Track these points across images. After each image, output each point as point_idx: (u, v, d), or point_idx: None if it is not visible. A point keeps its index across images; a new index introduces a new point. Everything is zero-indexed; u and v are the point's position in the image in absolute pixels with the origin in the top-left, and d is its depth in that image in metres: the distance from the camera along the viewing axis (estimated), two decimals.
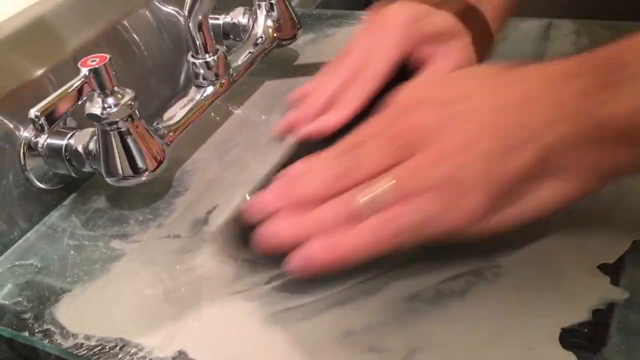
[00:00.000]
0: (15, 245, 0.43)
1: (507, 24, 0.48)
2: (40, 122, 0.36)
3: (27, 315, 0.37)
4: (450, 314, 0.33)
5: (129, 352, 0.34)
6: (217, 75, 0.48)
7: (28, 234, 0.44)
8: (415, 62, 0.46)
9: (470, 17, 0.45)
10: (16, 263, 0.42)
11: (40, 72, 0.44)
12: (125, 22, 0.51)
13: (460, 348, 0.31)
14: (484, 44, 0.45)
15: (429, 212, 0.31)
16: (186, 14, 0.46)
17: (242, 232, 0.37)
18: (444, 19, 0.44)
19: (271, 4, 0.54)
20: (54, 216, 0.45)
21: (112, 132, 0.40)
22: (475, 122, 0.31)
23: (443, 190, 0.31)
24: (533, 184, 0.31)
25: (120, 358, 0.34)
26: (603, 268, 0.33)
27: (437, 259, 0.35)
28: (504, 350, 0.30)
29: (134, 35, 0.52)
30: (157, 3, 0.54)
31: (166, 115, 0.46)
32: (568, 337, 0.30)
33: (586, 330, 0.31)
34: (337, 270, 0.33)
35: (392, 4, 0.46)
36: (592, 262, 0.34)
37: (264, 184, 0.40)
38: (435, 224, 0.31)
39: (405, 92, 0.35)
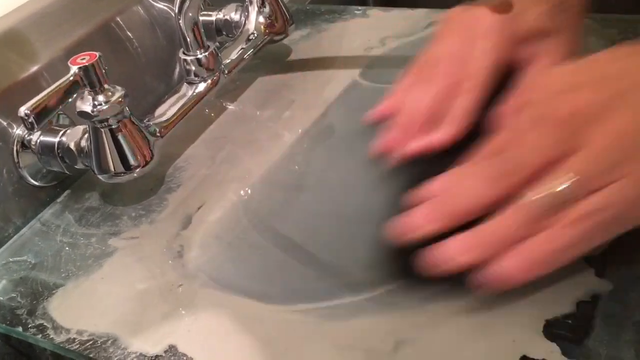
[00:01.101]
0: (10, 241, 0.44)
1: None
2: (30, 120, 0.36)
3: (21, 311, 0.38)
4: (434, 306, 0.33)
5: (121, 346, 0.34)
6: (208, 71, 0.49)
7: (22, 231, 0.44)
8: (515, 65, 0.42)
9: (560, 13, 0.42)
10: (10, 259, 0.42)
11: (33, 69, 0.45)
12: (118, 19, 0.51)
13: (444, 340, 0.31)
14: (578, 39, 0.43)
15: (621, 205, 0.28)
16: (177, 10, 0.46)
17: None
18: (536, 18, 0.42)
19: (263, 1, 0.54)
20: (47, 213, 0.46)
21: (103, 130, 0.41)
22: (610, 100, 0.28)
23: (634, 176, 0.27)
24: None
25: (112, 352, 0.34)
26: (588, 260, 0.34)
27: None
28: (488, 342, 0.31)
29: (127, 32, 0.52)
30: (150, 0, 0.54)
31: (157, 112, 0.46)
32: (552, 329, 0.31)
33: (570, 321, 0.31)
34: None
35: (477, 6, 0.42)
36: None
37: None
38: (631, 216, 0.28)
39: (546, 81, 0.32)
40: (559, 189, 0.28)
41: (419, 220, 0.32)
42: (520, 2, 0.42)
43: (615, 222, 0.28)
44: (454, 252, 0.30)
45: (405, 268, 0.33)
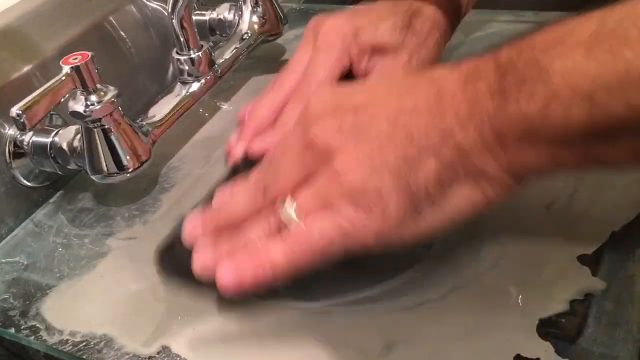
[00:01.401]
0: (2, 242, 0.43)
1: (455, 26, 0.48)
2: (21, 120, 0.36)
3: (13, 312, 0.38)
4: (428, 305, 0.33)
5: (114, 347, 0.34)
6: (202, 71, 0.49)
7: (15, 232, 0.44)
8: (359, 76, 0.45)
9: (412, 30, 0.44)
10: (3, 260, 0.42)
11: (26, 69, 0.44)
12: (111, 19, 0.51)
13: (438, 339, 0.31)
14: (429, 54, 0.45)
15: (347, 223, 0.29)
16: (170, 10, 0.46)
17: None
18: (383, 33, 0.44)
19: (256, 0, 0.54)
20: (40, 213, 0.45)
21: (95, 130, 0.40)
22: (377, 130, 0.30)
23: (359, 203, 0.29)
24: (447, 189, 0.29)
25: (105, 354, 0.34)
26: (582, 259, 0.34)
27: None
28: (481, 342, 0.31)
29: (121, 32, 0.52)
30: None
31: (150, 112, 0.46)
32: (545, 328, 0.31)
33: (564, 320, 0.31)
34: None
35: (330, 18, 0.46)
36: (571, 253, 0.34)
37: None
38: (357, 232, 0.30)
39: (312, 102, 0.33)
40: (286, 215, 0.31)
41: (191, 231, 0.35)
42: (369, 15, 0.45)
43: (347, 235, 0.30)
44: (206, 261, 0.33)
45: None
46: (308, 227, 0.30)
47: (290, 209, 0.31)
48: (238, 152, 0.45)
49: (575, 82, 0.25)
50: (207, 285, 0.32)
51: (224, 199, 0.36)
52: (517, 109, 0.26)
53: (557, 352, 0.30)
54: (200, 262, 0.33)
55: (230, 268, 0.31)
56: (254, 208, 0.33)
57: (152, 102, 0.48)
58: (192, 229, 0.35)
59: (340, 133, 0.30)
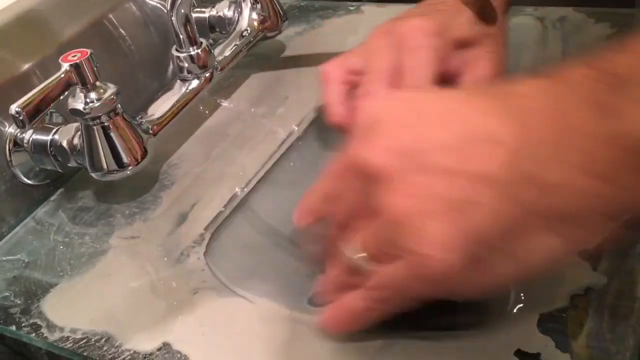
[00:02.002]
0: (3, 240, 0.43)
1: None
2: (21, 118, 0.36)
3: (14, 310, 0.38)
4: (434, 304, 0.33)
5: (114, 344, 0.34)
6: (201, 68, 0.49)
7: (16, 229, 0.44)
8: (447, 78, 0.41)
9: (478, 23, 0.42)
10: (4, 258, 0.42)
11: (25, 67, 0.45)
12: (111, 16, 0.51)
13: (437, 336, 0.31)
14: (501, 47, 0.43)
15: (396, 285, 0.28)
16: (169, 7, 0.46)
17: None
18: (463, 28, 0.41)
19: None
20: (41, 211, 0.45)
21: (95, 127, 0.40)
22: (440, 168, 0.26)
23: (415, 252, 0.26)
24: (527, 237, 0.25)
25: (106, 350, 0.34)
26: (582, 254, 0.34)
27: None
28: (482, 337, 0.31)
29: (120, 30, 0.52)
30: None
31: (150, 109, 0.46)
32: (546, 323, 0.31)
33: (564, 315, 0.31)
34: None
35: (406, 20, 0.41)
36: None
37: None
38: (413, 288, 0.27)
39: (372, 110, 0.30)
40: (355, 259, 0.29)
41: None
42: (442, 11, 0.42)
43: (399, 296, 0.28)
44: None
45: None
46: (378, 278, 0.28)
47: (356, 254, 0.29)
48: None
49: None
50: None
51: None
52: (624, 125, 0.22)
53: (558, 347, 0.30)
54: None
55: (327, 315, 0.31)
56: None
57: (152, 99, 0.48)
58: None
59: (400, 168, 0.26)
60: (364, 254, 0.28)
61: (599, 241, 0.25)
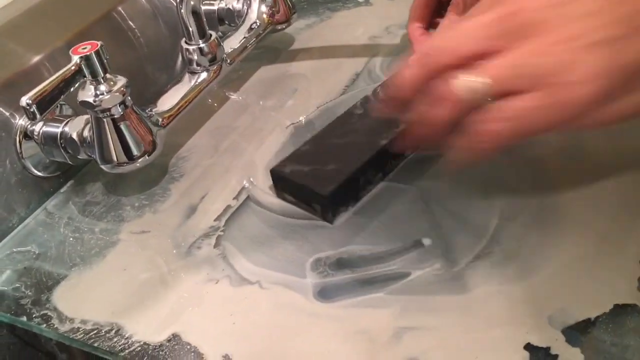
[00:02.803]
0: (14, 232, 0.44)
1: None
2: (31, 109, 0.36)
3: (25, 301, 0.38)
4: (438, 295, 0.33)
5: (124, 335, 0.35)
6: (210, 61, 0.49)
7: (26, 221, 0.44)
8: None
9: None
10: (14, 250, 0.42)
11: (35, 60, 0.45)
12: (120, 9, 0.51)
13: (447, 329, 0.31)
14: None
15: (536, 104, 0.29)
16: (178, 0, 0.46)
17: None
18: None
19: None
20: (51, 203, 0.46)
21: (105, 120, 0.40)
22: (584, 8, 0.28)
23: (549, 86, 0.29)
24: None
25: (116, 341, 0.34)
26: None
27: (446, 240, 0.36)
28: (492, 331, 0.31)
29: (129, 22, 0.52)
30: None
31: (160, 102, 0.46)
32: (557, 318, 0.31)
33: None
34: None
35: None
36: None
37: None
38: (547, 112, 0.29)
39: None
40: (475, 84, 0.30)
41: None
42: None
43: (531, 125, 0.30)
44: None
45: None
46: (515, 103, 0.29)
47: (479, 84, 0.30)
48: None
49: None
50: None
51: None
52: None
53: (568, 341, 0.30)
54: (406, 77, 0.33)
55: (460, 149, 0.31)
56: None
57: (160, 92, 0.48)
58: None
59: (550, 8, 0.29)
60: (489, 81, 0.30)
61: None
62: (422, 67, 0.33)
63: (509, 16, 0.30)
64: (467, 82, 0.30)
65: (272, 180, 0.41)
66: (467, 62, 0.30)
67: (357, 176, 0.38)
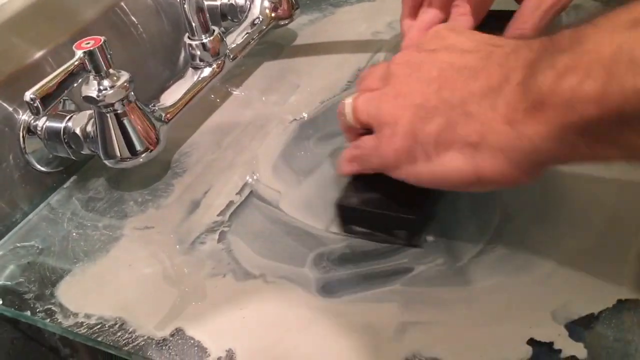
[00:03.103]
0: (17, 227, 0.44)
1: None
2: (35, 104, 0.36)
3: (29, 296, 0.38)
4: (442, 291, 0.33)
5: (128, 330, 0.35)
6: (213, 56, 0.48)
7: (29, 216, 0.44)
8: None
9: None
10: (18, 245, 0.42)
11: (38, 55, 0.45)
12: (122, 4, 0.51)
13: (451, 324, 0.31)
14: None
15: (372, 145, 0.35)
16: None
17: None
18: None
19: None
20: (54, 198, 0.46)
21: (108, 115, 0.40)
22: (427, 74, 0.33)
23: (384, 127, 0.34)
24: (442, 150, 0.31)
25: (120, 336, 0.34)
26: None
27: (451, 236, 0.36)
28: (495, 326, 0.31)
29: (132, 17, 0.52)
30: None
31: (163, 97, 0.46)
32: (560, 313, 0.31)
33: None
34: None
35: None
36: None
37: None
38: (374, 156, 0.35)
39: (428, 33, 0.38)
40: (348, 107, 0.37)
41: None
42: None
43: (368, 156, 0.36)
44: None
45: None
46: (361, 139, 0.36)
47: (349, 107, 0.37)
48: None
49: (600, 51, 0.24)
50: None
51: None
52: (536, 81, 0.26)
53: (571, 336, 0.30)
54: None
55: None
56: None
57: (163, 87, 0.48)
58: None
59: (406, 66, 0.35)
60: (350, 101, 0.37)
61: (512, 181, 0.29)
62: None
63: (389, 65, 0.36)
64: (346, 104, 0.37)
65: (340, 214, 0.38)
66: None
67: (428, 193, 0.36)
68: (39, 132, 0.43)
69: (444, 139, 0.31)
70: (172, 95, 0.47)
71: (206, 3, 0.51)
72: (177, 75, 0.50)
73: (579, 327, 0.30)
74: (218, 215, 0.41)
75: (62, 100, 0.45)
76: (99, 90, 0.39)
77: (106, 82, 0.39)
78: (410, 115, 0.32)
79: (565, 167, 0.38)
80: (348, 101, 0.37)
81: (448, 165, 0.31)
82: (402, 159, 0.33)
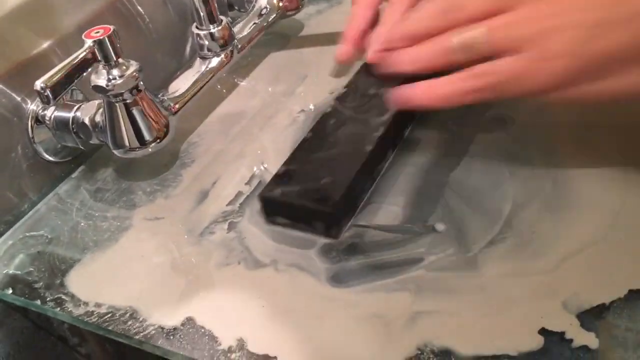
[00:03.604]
0: (26, 217, 0.44)
1: None
2: (46, 93, 0.36)
3: (38, 285, 0.38)
4: (453, 280, 0.33)
5: (139, 319, 0.35)
6: (221, 46, 0.48)
7: (38, 206, 0.44)
8: None
9: None
10: (27, 234, 0.42)
11: (46, 45, 0.44)
12: None
13: (462, 313, 0.31)
14: None
15: (514, 72, 0.32)
16: None
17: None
18: None
19: None
20: (63, 188, 0.46)
21: (117, 104, 0.40)
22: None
23: (531, 50, 0.31)
24: (623, 65, 0.30)
25: (130, 325, 0.34)
26: None
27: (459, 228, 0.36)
28: (507, 315, 0.31)
29: (139, 8, 0.52)
30: None
31: (171, 87, 0.46)
32: (572, 303, 0.31)
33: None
34: None
35: None
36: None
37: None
38: (518, 84, 0.32)
39: None
40: (472, 35, 0.33)
41: (380, 30, 0.41)
42: None
43: (508, 84, 0.33)
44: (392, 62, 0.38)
45: None
46: (491, 64, 0.32)
47: (477, 33, 0.33)
48: None
49: None
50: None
51: (406, 17, 0.38)
52: None
53: (583, 325, 0.30)
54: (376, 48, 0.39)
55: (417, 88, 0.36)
56: (438, 24, 0.35)
57: (170, 78, 0.48)
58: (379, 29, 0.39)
59: None
60: (482, 32, 0.33)
61: None
62: (438, 20, 0.35)
63: None
64: (464, 36, 0.34)
65: (263, 206, 0.38)
66: (477, 21, 0.33)
67: (353, 185, 0.37)
68: (47, 122, 0.43)
69: (631, 53, 0.30)
70: (180, 85, 0.46)
71: None
72: (184, 65, 0.50)
73: (590, 317, 0.30)
74: (227, 204, 0.41)
75: (70, 90, 0.45)
76: (109, 80, 0.39)
77: (115, 72, 0.39)
78: (572, 35, 0.30)
79: (576, 156, 0.38)
80: (470, 32, 0.33)
81: (632, 83, 0.30)
82: (562, 83, 0.31)
